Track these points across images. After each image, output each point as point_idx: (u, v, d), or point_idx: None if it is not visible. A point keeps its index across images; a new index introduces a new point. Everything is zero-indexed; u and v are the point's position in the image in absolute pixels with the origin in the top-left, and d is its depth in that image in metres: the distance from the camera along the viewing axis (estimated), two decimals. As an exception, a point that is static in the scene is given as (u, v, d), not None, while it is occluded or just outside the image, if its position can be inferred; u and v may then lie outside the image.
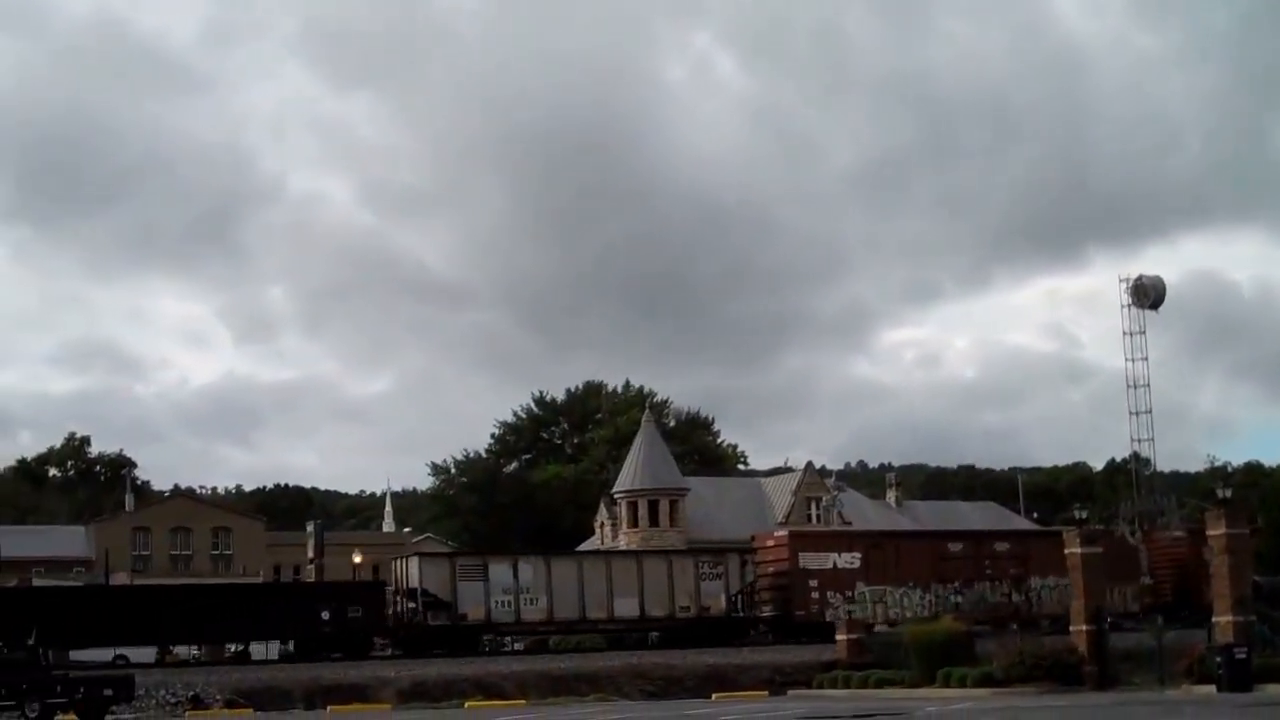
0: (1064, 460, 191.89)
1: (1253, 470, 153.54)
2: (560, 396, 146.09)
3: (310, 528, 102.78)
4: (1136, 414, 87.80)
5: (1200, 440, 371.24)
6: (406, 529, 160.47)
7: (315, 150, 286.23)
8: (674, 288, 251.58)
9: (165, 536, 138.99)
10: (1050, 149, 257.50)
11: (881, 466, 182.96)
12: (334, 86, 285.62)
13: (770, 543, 78.80)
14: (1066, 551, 58.81)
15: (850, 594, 75.52)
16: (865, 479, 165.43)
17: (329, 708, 55.48)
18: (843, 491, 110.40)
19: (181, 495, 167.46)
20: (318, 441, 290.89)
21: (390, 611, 71.75)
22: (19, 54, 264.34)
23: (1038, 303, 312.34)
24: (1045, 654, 54.36)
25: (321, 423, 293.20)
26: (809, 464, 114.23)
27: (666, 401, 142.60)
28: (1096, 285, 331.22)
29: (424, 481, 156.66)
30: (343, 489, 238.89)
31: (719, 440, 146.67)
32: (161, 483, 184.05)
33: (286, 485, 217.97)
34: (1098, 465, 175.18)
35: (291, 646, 72.56)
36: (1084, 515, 78.73)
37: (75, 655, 66.02)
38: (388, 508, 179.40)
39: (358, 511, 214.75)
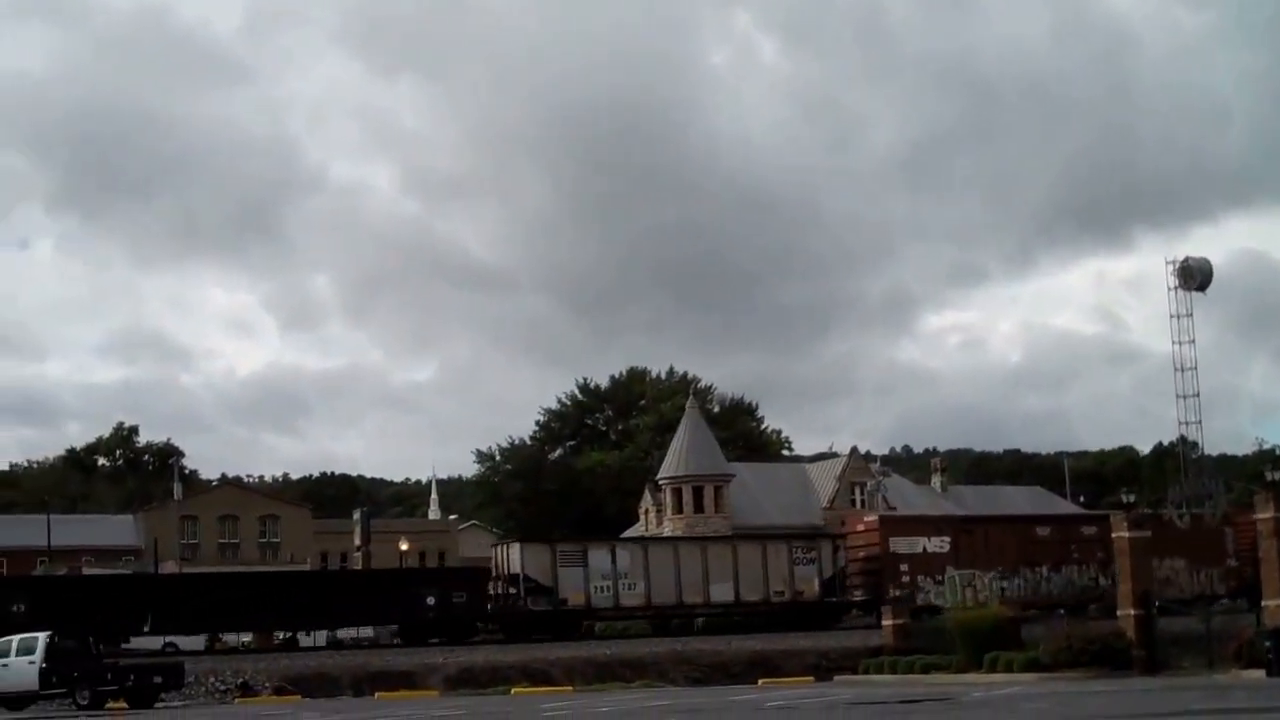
0: (1110, 444, 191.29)
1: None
2: (604, 383, 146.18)
3: (356, 515, 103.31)
4: (1184, 397, 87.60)
5: (1248, 423, 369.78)
6: (452, 516, 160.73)
7: (357, 138, 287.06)
8: (717, 273, 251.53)
9: (213, 525, 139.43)
10: (1095, 130, 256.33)
11: (926, 451, 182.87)
12: (375, 74, 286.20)
13: (861, 527, 79.49)
14: (1114, 535, 58.60)
15: (939, 578, 75.77)
16: (910, 464, 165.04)
17: (376, 694, 55.75)
18: (887, 476, 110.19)
19: (229, 484, 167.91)
20: (363, 429, 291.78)
21: (492, 596, 72.96)
22: (63, 45, 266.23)
23: (1084, 285, 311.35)
24: (1092, 639, 54.14)
25: (367, 411, 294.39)
26: (853, 449, 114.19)
27: (710, 387, 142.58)
28: (1143, 267, 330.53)
29: (469, 469, 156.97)
30: (388, 477, 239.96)
31: (763, 426, 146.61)
32: (209, 472, 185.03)
33: (332, 473, 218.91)
34: (1145, 449, 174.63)
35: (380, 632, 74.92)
36: (1131, 499, 78.69)
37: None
38: (433, 495, 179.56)
39: (403, 499, 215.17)
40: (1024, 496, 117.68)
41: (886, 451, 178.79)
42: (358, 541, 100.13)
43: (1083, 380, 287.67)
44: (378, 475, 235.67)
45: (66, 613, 65.42)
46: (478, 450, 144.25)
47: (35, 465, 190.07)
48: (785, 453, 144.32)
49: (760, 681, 58.02)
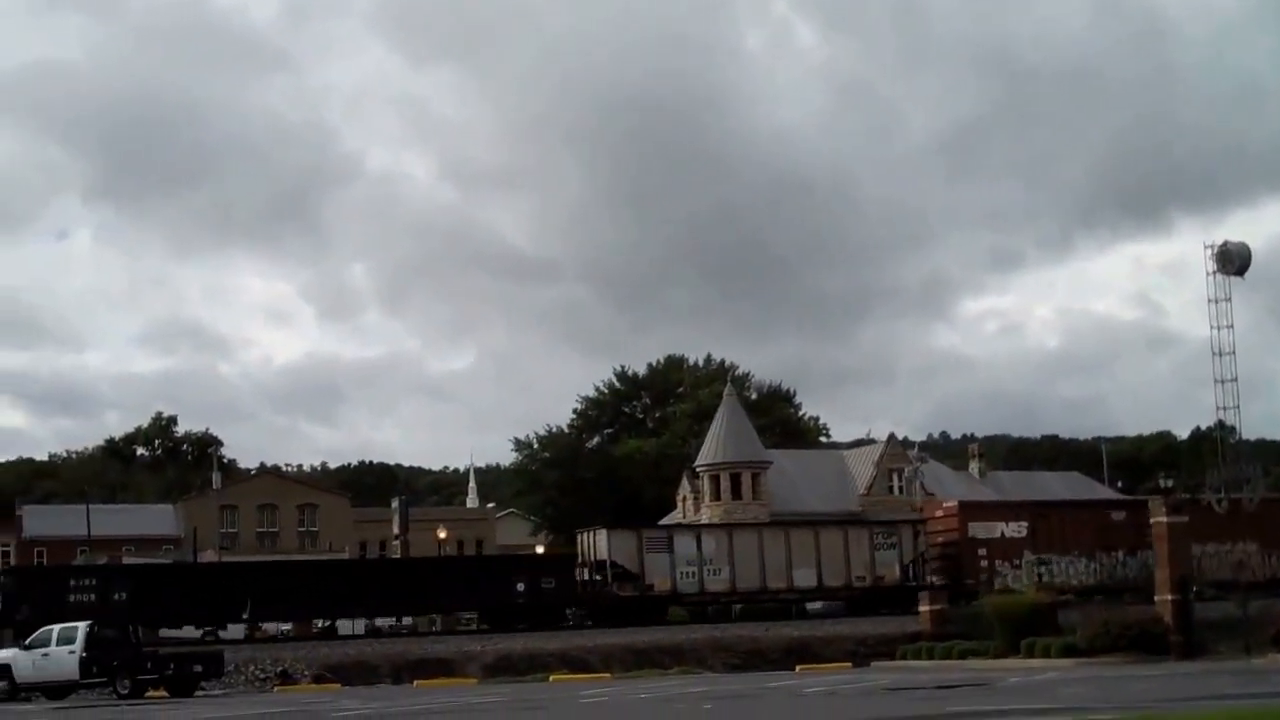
0: (1148, 429, 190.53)
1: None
2: (641, 371, 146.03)
3: (395, 504, 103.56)
4: (1222, 382, 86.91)
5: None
6: (490, 505, 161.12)
7: (395, 126, 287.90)
8: (754, 260, 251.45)
9: (252, 514, 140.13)
10: (1133, 114, 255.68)
11: (964, 437, 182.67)
12: (412, 62, 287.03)
13: (940, 513, 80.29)
14: (1152, 521, 58.64)
15: (1017, 562, 76.25)
16: (947, 450, 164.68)
17: (415, 682, 56.01)
18: (925, 463, 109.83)
19: (267, 473, 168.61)
20: (401, 418, 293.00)
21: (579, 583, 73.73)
22: (100, 35, 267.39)
23: (1122, 270, 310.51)
24: (1130, 624, 54.20)
25: (404, 399, 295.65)
26: (891, 435, 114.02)
27: (748, 375, 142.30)
28: (1181, 252, 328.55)
29: (507, 457, 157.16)
30: (426, 465, 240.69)
31: (800, 413, 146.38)
32: (247, 461, 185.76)
33: (371, 462, 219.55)
34: (1182, 434, 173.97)
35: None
36: (1169, 484, 78.53)
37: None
38: (471, 484, 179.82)
39: (441, 488, 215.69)
40: (1062, 482, 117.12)
41: (924, 438, 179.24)
42: (396, 530, 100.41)
43: (1120, 365, 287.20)
44: (416, 464, 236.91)
45: (166, 601, 66.45)
46: (515, 439, 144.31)
47: (75, 455, 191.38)
48: (822, 439, 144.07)
49: (798, 668, 58.20)
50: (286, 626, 76.85)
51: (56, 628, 52.53)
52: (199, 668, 51.86)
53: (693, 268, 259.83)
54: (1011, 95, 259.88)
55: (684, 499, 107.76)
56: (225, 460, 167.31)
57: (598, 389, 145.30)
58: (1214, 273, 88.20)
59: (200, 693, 51.44)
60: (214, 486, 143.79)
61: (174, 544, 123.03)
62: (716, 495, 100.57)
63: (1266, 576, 72.53)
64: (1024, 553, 76.56)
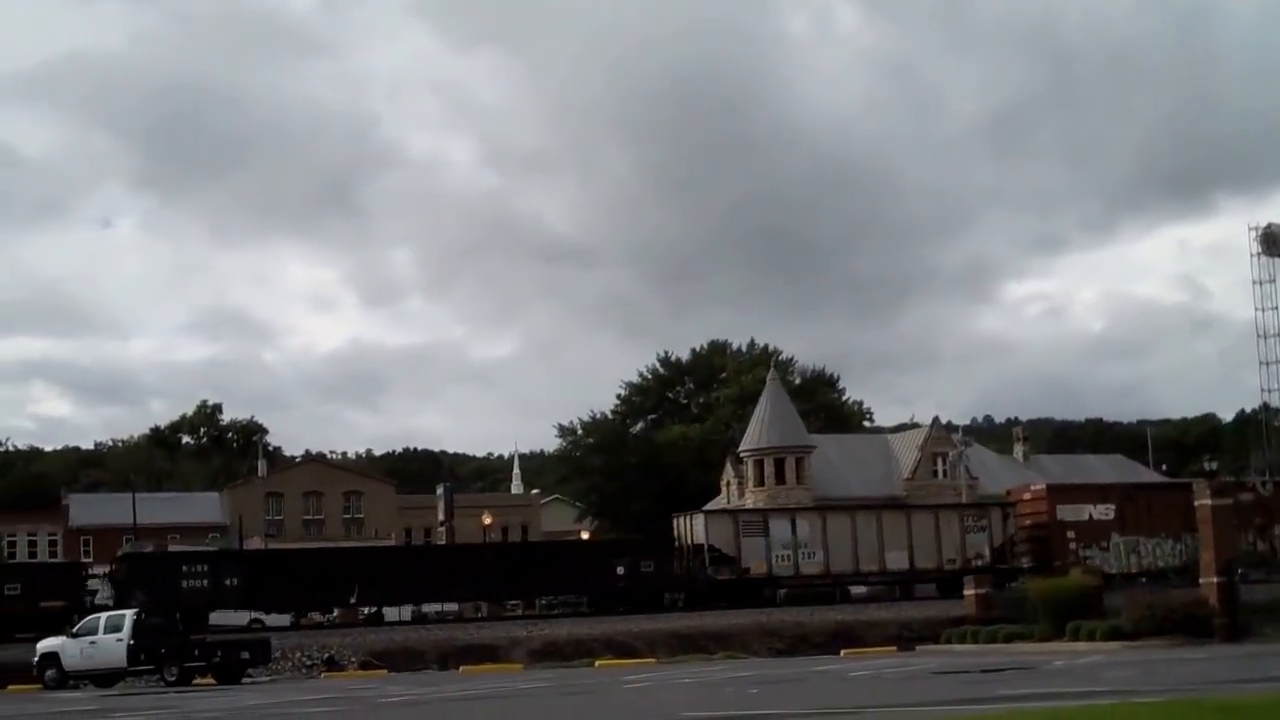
0: (1193, 413, 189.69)
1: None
2: (685, 356, 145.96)
3: (440, 491, 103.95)
4: (1266, 364, 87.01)
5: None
6: (534, 491, 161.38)
7: (436, 112, 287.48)
8: (798, 244, 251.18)
9: (297, 501, 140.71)
10: (1177, 95, 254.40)
11: (1008, 421, 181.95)
12: (453, 47, 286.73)
13: (1028, 496, 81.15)
14: (1196, 504, 58.41)
15: (1105, 544, 76.78)
16: (992, 434, 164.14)
17: (461, 668, 56.21)
18: (969, 447, 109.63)
19: (312, 460, 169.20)
20: (445, 405, 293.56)
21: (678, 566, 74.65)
22: (142, 23, 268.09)
23: (1166, 253, 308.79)
24: (1175, 607, 54.01)
25: (448, 386, 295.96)
26: (935, 419, 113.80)
27: (791, 359, 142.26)
28: (1226, 233, 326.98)
29: (551, 443, 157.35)
30: (471, 452, 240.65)
31: (844, 397, 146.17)
32: (292, 448, 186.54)
33: (415, 449, 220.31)
34: (1227, 417, 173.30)
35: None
36: (1213, 467, 78.43)
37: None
38: (515, 470, 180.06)
39: (486, 474, 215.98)
40: (1106, 466, 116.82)
41: (968, 422, 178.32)
42: (441, 516, 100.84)
43: (1164, 348, 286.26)
44: (460, 450, 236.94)
45: (277, 586, 67.19)
46: (559, 424, 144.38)
47: (120, 444, 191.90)
48: (866, 424, 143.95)
49: (842, 652, 58.18)
50: (333, 614, 77.19)
51: (104, 615, 52.99)
52: (246, 655, 52.21)
53: (735, 252, 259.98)
54: (1055, 77, 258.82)
55: (728, 484, 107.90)
56: (270, 448, 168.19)
57: (641, 375, 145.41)
58: (1258, 255, 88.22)
59: (247, 679, 51.74)
60: (259, 474, 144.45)
61: (220, 532, 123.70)
62: (760, 480, 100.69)
63: None
64: (1112, 535, 77.22)
